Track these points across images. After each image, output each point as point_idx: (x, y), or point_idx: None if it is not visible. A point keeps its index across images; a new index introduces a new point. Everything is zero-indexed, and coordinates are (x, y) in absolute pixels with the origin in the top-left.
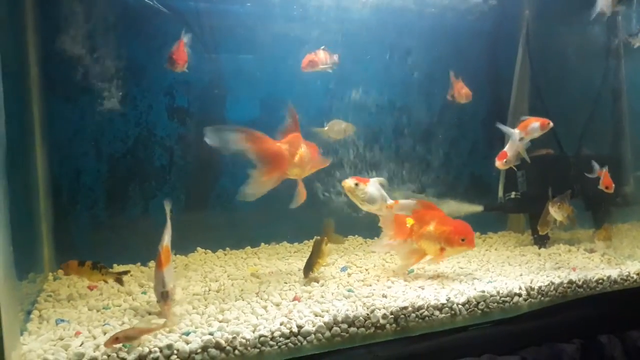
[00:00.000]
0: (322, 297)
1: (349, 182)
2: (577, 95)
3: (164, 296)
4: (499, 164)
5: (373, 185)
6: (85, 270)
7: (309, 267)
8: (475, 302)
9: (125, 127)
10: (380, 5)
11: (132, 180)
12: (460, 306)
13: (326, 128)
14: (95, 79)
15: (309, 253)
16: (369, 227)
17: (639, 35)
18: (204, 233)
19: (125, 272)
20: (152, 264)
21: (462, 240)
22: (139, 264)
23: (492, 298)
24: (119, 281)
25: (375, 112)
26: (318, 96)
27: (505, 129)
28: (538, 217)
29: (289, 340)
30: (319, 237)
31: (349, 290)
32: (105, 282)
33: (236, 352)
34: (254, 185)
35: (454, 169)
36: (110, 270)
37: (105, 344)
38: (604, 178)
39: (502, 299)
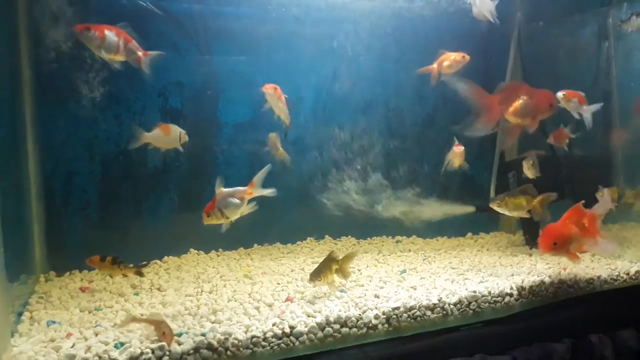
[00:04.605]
0: (315, 297)
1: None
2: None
3: None
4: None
5: (226, 203)
6: (106, 265)
7: (316, 274)
8: (466, 302)
9: (118, 129)
10: (373, 7)
11: (124, 181)
12: (452, 306)
13: (149, 134)
14: (87, 81)
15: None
16: (362, 228)
17: (631, 20)
18: (197, 234)
19: (144, 265)
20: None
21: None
22: (131, 265)
23: (483, 298)
24: (139, 273)
25: (369, 113)
26: (312, 97)
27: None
28: (530, 218)
29: (281, 341)
30: (334, 253)
31: (342, 291)
32: (125, 276)
33: (228, 353)
34: (474, 128)
35: (446, 169)
36: (129, 265)
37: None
38: (558, 131)
39: (494, 299)
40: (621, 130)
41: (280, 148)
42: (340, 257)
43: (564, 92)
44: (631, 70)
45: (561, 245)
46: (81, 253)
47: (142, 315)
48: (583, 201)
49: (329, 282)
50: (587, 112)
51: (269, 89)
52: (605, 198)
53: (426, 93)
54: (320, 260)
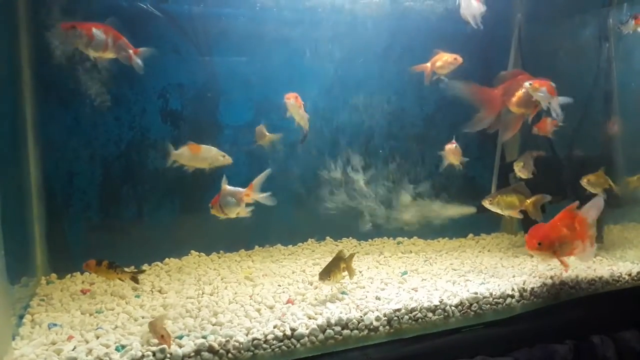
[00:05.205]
0: (316, 299)
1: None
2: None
3: None
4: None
5: (226, 201)
6: (102, 270)
7: (326, 274)
8: (468, 304)
9: (118, 130)
10: (373, 8)
11: (125, 183)
12: (453, 308)
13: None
14: (88, 82)
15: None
16: (363, 229)
17: (628, 23)
18: (198, 236)
19: (141, 271)
20: (146, 266)
21: None
22: (132, 267)
23: (485, 299)
24: (134, 280)
25: (369, 114)
26: (313, 98)
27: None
28: (531, 218)
29: (282, 343)
30: (342, 252)
31: (343, 293)
32: (122, 280)
33: (229, 355)
34: (475, 122)
35: (446, 170)
36: (126, 270)
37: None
38: (542, 120)
39: (495, 300)
40: (618, 119)
41: (267, 133)
42: (347, 260)
43: (530, 82)
44: (632, 70)
45: (546, 246)
46: (82, 255)
47: (143, 317)
48: (577, 202)
49: (338, 281)
50: (555, 102)
51: (290, 98)
52: (595, 201)
53: (427, 93)
54: (322, 261)
